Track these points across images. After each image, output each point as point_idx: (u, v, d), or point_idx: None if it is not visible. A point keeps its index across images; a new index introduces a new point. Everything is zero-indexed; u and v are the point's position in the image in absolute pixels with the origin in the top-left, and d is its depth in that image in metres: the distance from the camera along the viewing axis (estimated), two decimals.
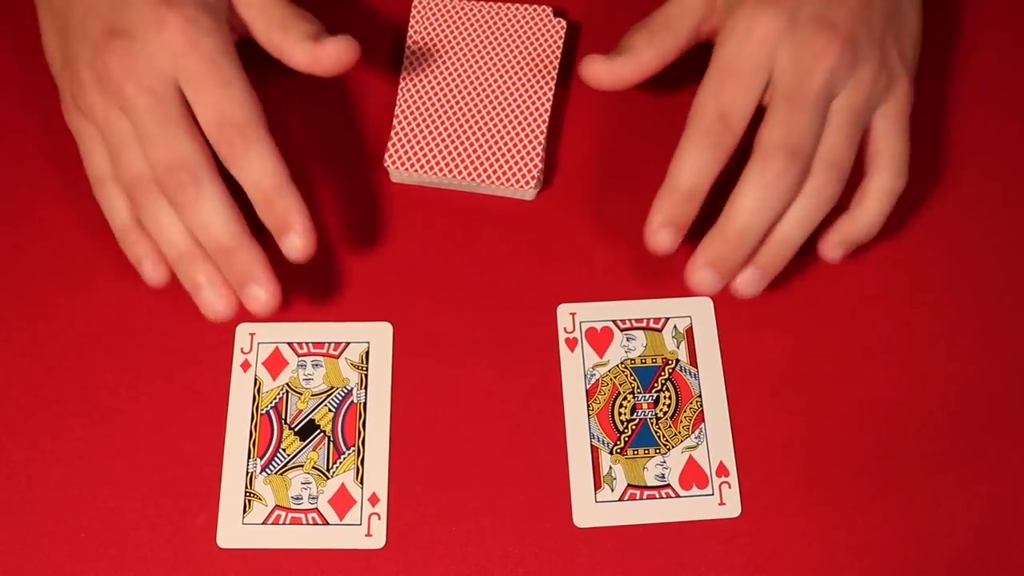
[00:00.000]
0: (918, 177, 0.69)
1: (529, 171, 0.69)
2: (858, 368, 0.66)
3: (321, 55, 0.63)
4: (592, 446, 0.64)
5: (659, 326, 0.67)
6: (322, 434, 0.65)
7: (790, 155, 0.59)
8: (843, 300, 0.68)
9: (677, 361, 0.66)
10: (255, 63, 0.68)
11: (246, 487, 0.64)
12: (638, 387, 0.65)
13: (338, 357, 0.67)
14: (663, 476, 0.63)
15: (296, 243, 0.60)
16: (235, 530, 0.63)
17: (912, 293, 0.68)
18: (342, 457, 0.64)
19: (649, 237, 0.61)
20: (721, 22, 0.63)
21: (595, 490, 0.63)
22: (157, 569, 0.61)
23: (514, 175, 0.69)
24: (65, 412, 0.65)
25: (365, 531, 0.62)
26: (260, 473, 0.64)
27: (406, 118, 0.71)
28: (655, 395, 0.65)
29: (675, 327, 0.67)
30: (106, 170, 0.64)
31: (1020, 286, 0.69)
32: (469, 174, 0.70)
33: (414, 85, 0.72)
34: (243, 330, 0.68)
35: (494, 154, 0.70)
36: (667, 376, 0.66)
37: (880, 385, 0.66)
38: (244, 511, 0.63)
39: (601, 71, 0.65)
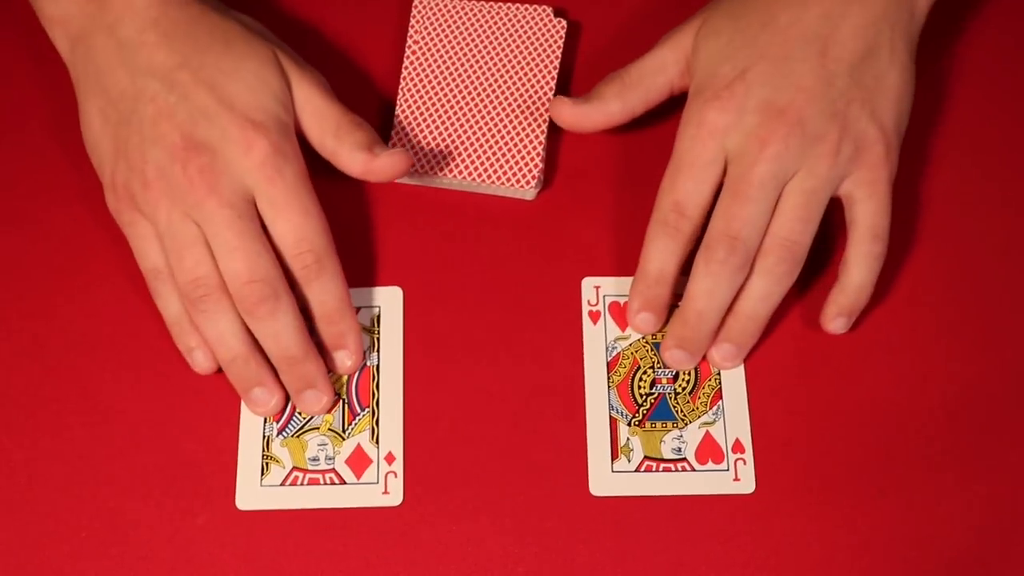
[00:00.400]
0: (919, 177, 0.72)
1: (530, 171, 0.70)
2: (858, 367, 0.67)
3: (375, 167, 0.66)
4: (611, 417, 0.65)
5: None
6: (337, 396, 0.66)
7: (730, 245, 0.63)
8: None
9: None
10: None
11: (263, 450, 0.65)
12: (658, 362, 0.67)
13: None
14: (679, 450, 0.64)
15: (346, 362, 0.66)
16: (253, 492, 0.64)
17: (913, 293, 0.69)
18: (357, 418, 0.66)
19: (631, 321, 0.66)
20: (687, 101, 0.67)
21: (612, 460, 0.64)
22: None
23: (515, 175, 0.70)
24: (65, 411, 0.65)
25: (382, 489, 0.64)
26: (276, 436, 0.66)
27: (406, 118, 0.72)
28: (674, 370, 0.67)
29: None
30: (162, 264, 0.65)
31: (1020, 286, 0.69)
32: (469, 174, 0.70)
33: (414, 85, 0.73)
34: None
35: (494, 154, 0.71)
36: None
37: (879, 384, 0.66)
38: (262, 473, 0.64)
39: (568, 114, 0.69)
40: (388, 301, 0.70)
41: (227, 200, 0.63)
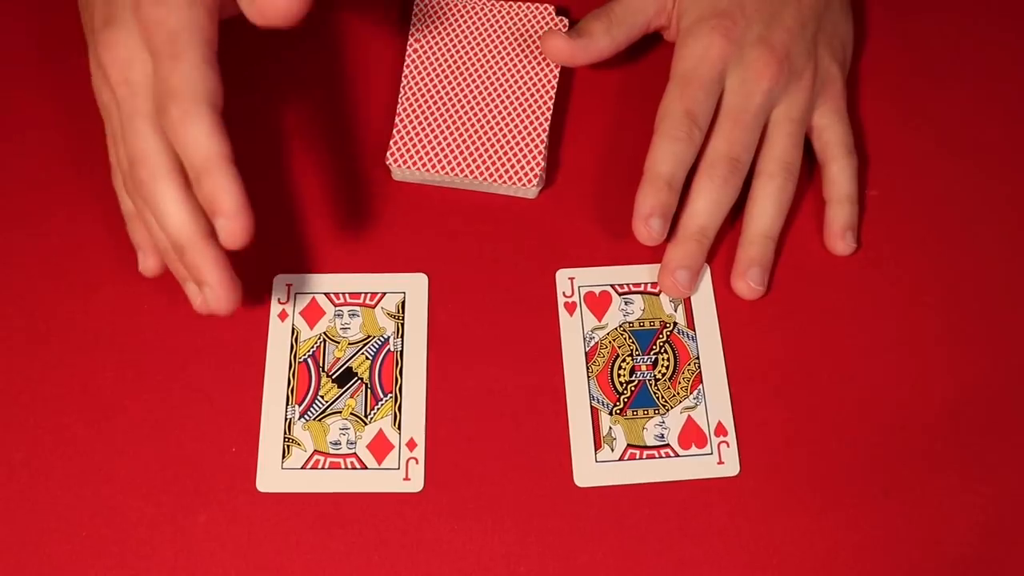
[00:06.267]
0: (920, 177, 0.80)
1: (531, 169, 0.76)
2: (855, 361, 0.73)
3: (262, 5, 0.62)
4: (592, 407, 0.71)
5: (657, 290, 0.75)
6: (359, 381, 0.72)
7: (731, 165, 0.74)
8: (844, 292, 0.76)
9: (675, 324, 0.74)
10: (268, 65, 0.76)
11: (285, 433, 0.70)
12: (637, 349, 0.73)
13: (374, 307, 0.74)
14: (662, 436, 0.70)
15: (223, 225, 0.62)
16: (274, 475, 0.69)
17: (915, 292, 0.75)
18: (379, 403, 0.71)
19: (639, 227, 0.73)
20: (676, 35, 0.79)
21: (595, 450, 0.70)
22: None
23: (516, 173, 0.76)
24: (66, 409, 0.71)
25: (403, 475, 0.69)
26: (299, 419, 0.71)
27: (408, 116, 0.77)
28: (653, 357, 0.73)
29: None
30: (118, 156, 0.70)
31: (1020, 286, 0.76)
32: (471, 173, 0.76)
33: (416, 83, 0.79)
34: (280, 281, 0.75)
35: (496, 152, 0.76)
36: (665, 339, 0.73)
37: (879, 382, 0.73)
38: (283, 456, 0.69)
39: (563, 47, 0.78)
40: (413, 287, 0.75)
41: (124, 76, 0.64)
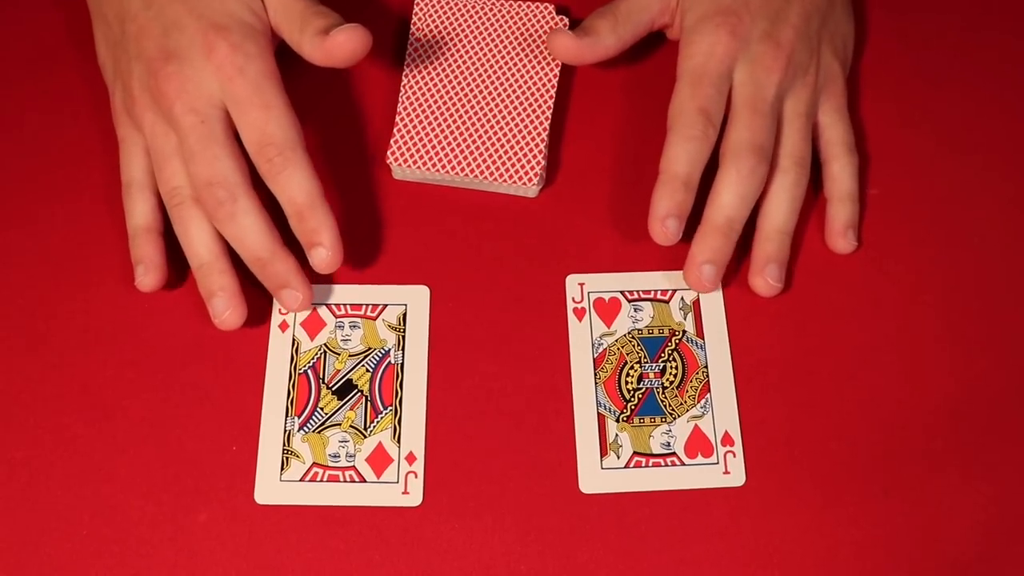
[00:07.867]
0: (920, 176, 0.80)
1: (532, 168, 0.75)
2: (858, 362, 0.73)
3: (330, 47, 0.70)
4: (599, 414, 0.71)
5: (666, 298, 0.74)
6: (359, 394, 0.71)
7: (758, 154, 0.72)
8: (846, 293, 0.76)
9: (684, 332, 0.73)
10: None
11: (284, 445, 0.70)
12: (645, 357, 0.72)
13: (375, 319, 0.74)
14: (668, 444, 0.70)
15: (323, 255, 0.70)
16: (273, 487, 0.69)
17: (915, 291, 0.75)
18: (379, 416, 0.71)
19: (656, 228, 0.72)
20: (680, 32, 0.77)
21: (601, 457, 0.70)
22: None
23: (516, 172, 0.75)
24: (67, 408, 0.71)
25: (402, 489, 0.69)
26: (298, 431, 0.70)
27: (408, 115, 0.77)
28: (662, 365, 0.72)
29: (682, 299, 0.74)
30: (138, 176, 0.73)
31: (1020, 286, 0.76)
32: (471, 171, 0.75)
33: (416, 82, 0.78)
34: None
35: (496, 151, 0.76)
36: (674, 347, 0.73)
37: (879, 382, 0.72)
38: (282, 468, 0.69)
39: (569, 46, 0.77)
40: (415, 300, 0.75)
41: (191, 106, 0.69)
